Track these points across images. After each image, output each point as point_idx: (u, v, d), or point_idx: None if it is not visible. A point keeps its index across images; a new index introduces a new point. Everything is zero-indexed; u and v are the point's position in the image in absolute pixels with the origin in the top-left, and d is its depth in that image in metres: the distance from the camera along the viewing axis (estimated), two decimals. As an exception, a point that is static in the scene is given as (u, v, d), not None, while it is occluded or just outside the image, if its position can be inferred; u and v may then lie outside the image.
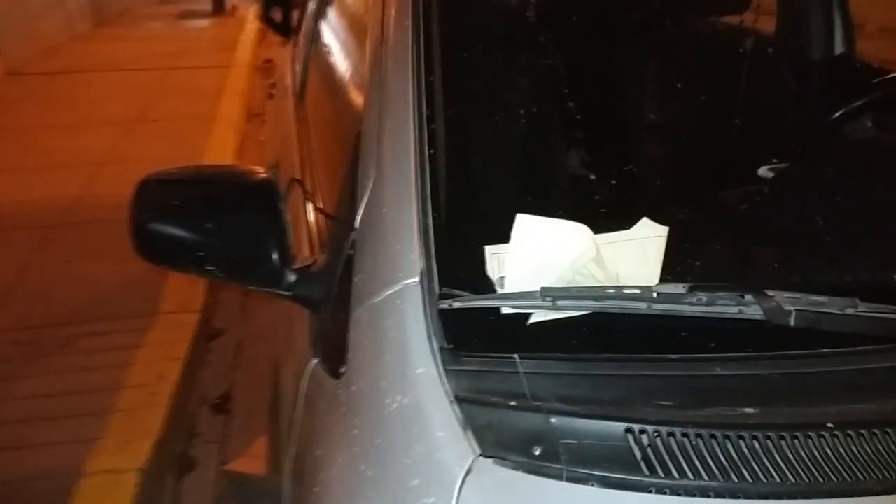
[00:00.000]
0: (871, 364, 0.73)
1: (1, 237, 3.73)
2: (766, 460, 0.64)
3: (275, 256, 1.01)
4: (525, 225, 0.82)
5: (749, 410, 0.69)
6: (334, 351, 0.91)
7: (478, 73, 1.16)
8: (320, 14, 2.22)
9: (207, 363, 3.05)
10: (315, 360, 1.00)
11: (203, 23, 11.39)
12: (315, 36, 2.17)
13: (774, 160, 1.14)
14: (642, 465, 0.65)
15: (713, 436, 0.66)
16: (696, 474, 0.64)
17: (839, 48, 2.35)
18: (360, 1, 1.56)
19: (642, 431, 0.67)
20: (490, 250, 0.85)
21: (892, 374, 0.73)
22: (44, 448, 2.29)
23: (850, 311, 0.73)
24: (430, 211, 0.89)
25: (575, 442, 0.67)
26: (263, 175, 1.08)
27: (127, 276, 3.24)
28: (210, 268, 1.04)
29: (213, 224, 1.03)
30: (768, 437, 0.66)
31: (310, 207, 1.28)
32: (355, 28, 1.54)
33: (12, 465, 2.20)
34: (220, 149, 5.28)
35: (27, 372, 2.72)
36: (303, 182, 1.60)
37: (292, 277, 1.02)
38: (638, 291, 0.77)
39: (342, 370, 0.86)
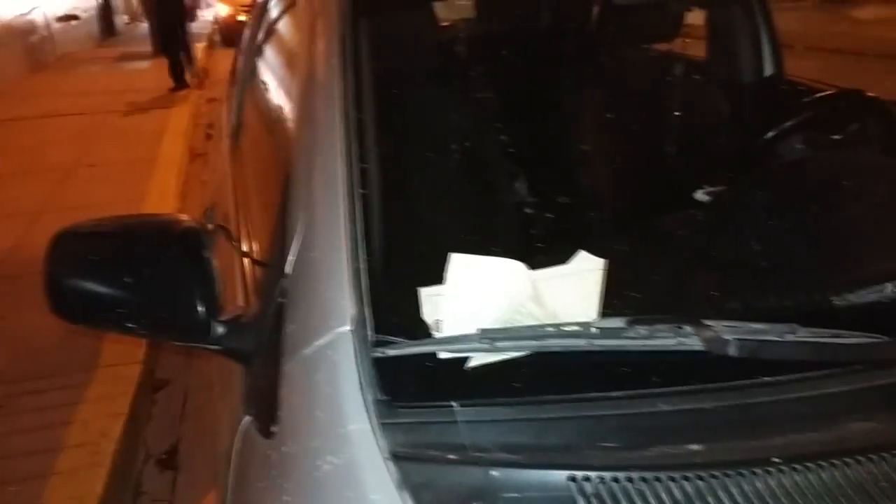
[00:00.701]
0: (814, 391, 0.71)
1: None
2: (711, 501, 0.61)
3: (200, 309, 0.95)
4: (460, 265, 0.78)
5: (694, 447, 0.66)
6: (265, 408, 0.85)
7: (408, 110, 1.13)
8: (254, 50, 2.17)
9: (152, 416, 2.92)
10: (247, 418, 0.94)
11: (143, 64, 11.24)
12: (249, 73, 2.12)
13: (708, 185, 1.13)
14: None
15: (658, 478, 0.63)
16: None
17: (768, 70, 2.40)
18: (292, 38, 1.52)
19: (585, 479, 0.63)
20: (425, 293, 0.81)
21: (835, 400, 0.71)
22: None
23: (790, 337, 0.71)
24: (362, 254, 0.85)
25: (517, 495, 0.63)
26: (187, 223, 1.03)
27: (65, 330, 3.09)
28: (131, 325, 0.97)
29: (131, 278, 0.96)
30: (713, 476, 0.63)
31: (241, 254, 1.23)
32: (286, 66, 1.51)
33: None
34: (161, 191, 5.16)
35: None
36: (238, 226, 1.54)
37: (220, 330, 0.97)
38: (578, 328, 0.74)
39: (273, 429, 0.81)
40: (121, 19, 16.22)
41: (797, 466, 0.63)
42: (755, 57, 2.38)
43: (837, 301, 0.79)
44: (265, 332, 0.94)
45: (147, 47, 11.88)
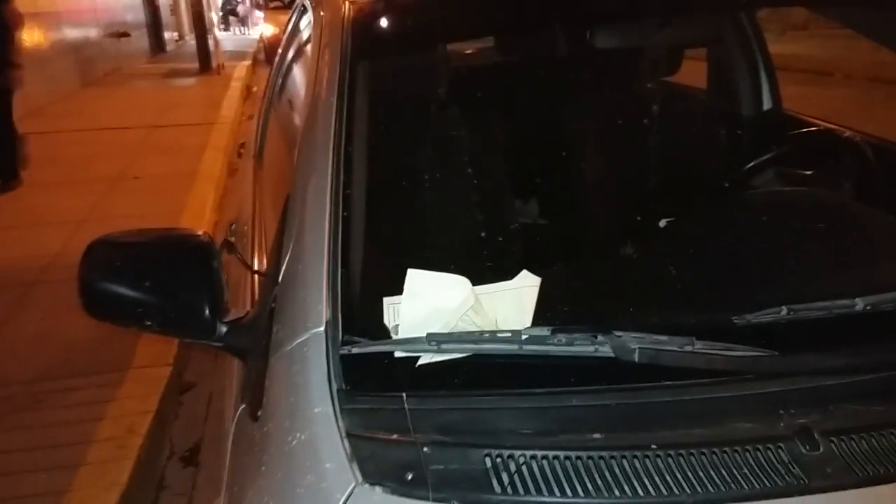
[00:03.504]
0: (701, 395, 0.84)
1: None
2: (597, 477, 0.74)
3: (206, 310, 1.11)
4: (416, 278, 0.93)
5: (595, 436, 0.79)
6: (255, 396, 1.00)
7: (393, 146, 1.29)
8: (277, 75, 2.36)
9: (179, 416, 3.11)
10: (242, 406, 1.09)
11: (189, 81, 11.68)
12: (272, 97, 2.31)
13: (675, 213, 1.25)
14: (495, 484, 0.74)
15: (556, 457, 0.76)
16: (543, 491, 0.74)
17: (767, 104, 2.51)
18: (303, 68, 1.69)
19: (498, 456, 0.77)
20: (387, 301, 0.96)
21: (718, 403, 0.83)
22: (13, 500, 2.34)
23: (687, 348, 0.84)
24: (339, 268, 1.01)
25: (441, 468, 0.77)
26: (199, 237, 1.19)
27: (102, 332, 3.31)
28: (148, 322, 1.13)
29: (150, 282, 1.13)
30: (601, 458, 0.76)
31: (244, 265, 1.39)
32: (296, 95, 1.68)
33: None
34: (199, 204, 5.40)
35: (3, 428, 2.78)
36: (252, 240, 1.71)
37: (224, 329, 1.12)
38: (509, 335, 0.87)
39: (259, 413, 0.96)
40: (171, 36, 16.80)
41: (671, 453, 0.76)
42: (754, 91, 2.49)
43: (737, 320, 0.91)
44: (259, 332, 1.09)
45: (194, 64, 12.36)
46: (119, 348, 3.28)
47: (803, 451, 0.77)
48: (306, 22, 1.91)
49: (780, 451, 0.76)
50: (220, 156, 6.80)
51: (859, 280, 0.97)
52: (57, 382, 3.08)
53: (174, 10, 17.51)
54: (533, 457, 0.76)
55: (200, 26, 12.08)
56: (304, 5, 2.08)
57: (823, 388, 0.83)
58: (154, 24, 15.23)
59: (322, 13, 1.63)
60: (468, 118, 1.35)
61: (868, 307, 0.92)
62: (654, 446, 0.76)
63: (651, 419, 0.81)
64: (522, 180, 1.44)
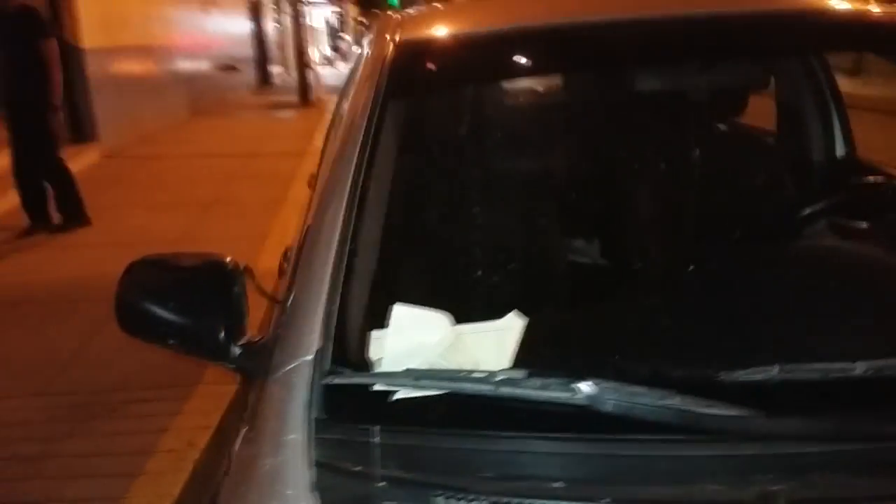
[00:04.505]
0: (671, 452, 0.81)
1: (70, 308, 4.10)
2: None
3: (222, 333, 1.16)
4: (400, 314, 0.95)
5: (556, 485, 0.78)
6: (250, 419, 1.04)
7: (403, 186, 1.33)
8: (338, 110, 2.45)
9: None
10: (245, 428, 1.14)
11: (289, 113, 12.24)
12: (330, 130, 2.40)
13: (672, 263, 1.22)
14: None
15: (507, 502, 0.75)
16: None
17: (840, 151, 2.39)
18: (347, 105, 1.76)
19: (449, 497, 0.77)
20: (374, 335, 0.98)
21: (684, 462, 0.80)
22: (68, 503, 2.49)
23: (663, 402, 0.81)
24: (337, 301, 1.04)
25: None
26: (225, 263, 1.26)
27: (177, 348, 3.48)
28: (171, 341, 1.20)
29: (174, 303, 1.20)
30: None
31: (261, 292, 1.45)
32: (336, 132, 1.75)
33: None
34: (283, 229, 5.62)
35: (77, 433, 2.97)
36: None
37: (237, 352, 1.18)
38: (485, 375, 0.87)
39: (247, 435, 1.00)
40: (276, 70, 17.68)
41: None
42: (826, 136, 2.38)
43: (724, 376, 0.88)
44: (265, 356, 1.14)
45: (295, 97, 12.96)
46: (191, 364, 3.43)
47: None
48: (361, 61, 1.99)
49: None
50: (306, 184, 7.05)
51: (862, 343, 0.92)
52: (131, 393, 3.26)
53: (281, 45, 18.43)
54: (478, 500, 0.76)
55: (301, 61, 12.66)
56: (363, 45, 2.17)
57: (800, 455, 0.79)
58: (261, 59, 16.09)
59: (369, 51, 1.70)
60: (483, 163, 1.37)
61: (869, 372, 0.87)
62: (608, 500, 0.74)
63: (615, 473, 0.79)
64: (522, 225, 1.44)
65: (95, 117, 8.10)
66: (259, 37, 15.96)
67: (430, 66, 1.49)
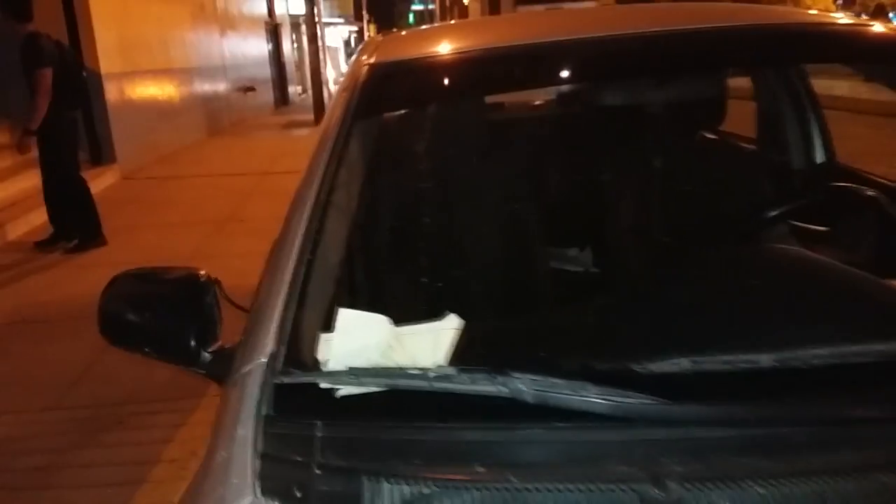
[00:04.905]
0: (579, 437, 0.87)
1: (83, 326, 4.21)
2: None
3: (192, 340, 1.24)
4: (344, 317, 1.02)
5: (479, 469, 0.84)
6: (215, 418, 1.12)
7: (359, 203, 1.42)
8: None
9: (242, 444, 3.29)
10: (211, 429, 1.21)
11: (304, 131, 12.43)
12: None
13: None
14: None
15: (437, 486, 0.82)
16: None
17: (819, 157, 2.44)
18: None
19: (377, 481, 0.83)
20: (322, 337, 1.05)
21: (590, 446, 0.87)
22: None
23: (579, 392, 0.87)
24: (293, 307, 1.12)
25: (326, 488, 0.84)
26: (199, 275, 1.34)
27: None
28: (147, 349, 1.29)
29: (149, 313, 1.28)
30: (482, 489, 0.81)
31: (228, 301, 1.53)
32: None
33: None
34: (293, 246, 5.74)
35: (86, 444, 3.08)
36: None
37: (207, 358, 1.26)
38: (420, 372, 0.94)
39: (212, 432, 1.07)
40: (294, 90, 17.94)
41: (528, 486, 0.80)
42: (804, 143, 2.43)
43: (638, 368, 0.94)
44: (231, 360, 1.22)
45: (311, 116, 13.17)
46: (197, 378, 3.53)
47: (653, 493, 0.79)
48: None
49: (632, 491, 0.79)
50: (320, 201, 7.18)
51: (773, 337, 0.97)
52: (138, 406, 3.36)
53: (299, 66, 18.71)
54: (402, 482, 0.83)
55: (317, 81, 12.87)
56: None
57: (700, 439, 0.85)
58: (279, 79, 16.34)
59: (349, 72, 1.79)
60: (439, 177, 1.45)
61: (773, 363, 0.92)
62: (512, 479, 0.81)
63: (527, 456, 0.86)
64: (468, 234, 1.51)
65: (114, 140, 8.32)
66: (277, 57, 16.23)
67: (397, 86, 1.57)
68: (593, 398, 0.87)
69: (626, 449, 0.85)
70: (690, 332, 1.01)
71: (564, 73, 1.65)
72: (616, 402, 0.87)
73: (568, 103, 2.12)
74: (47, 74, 5.19)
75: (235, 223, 6.55)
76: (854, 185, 1.79)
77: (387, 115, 1.54)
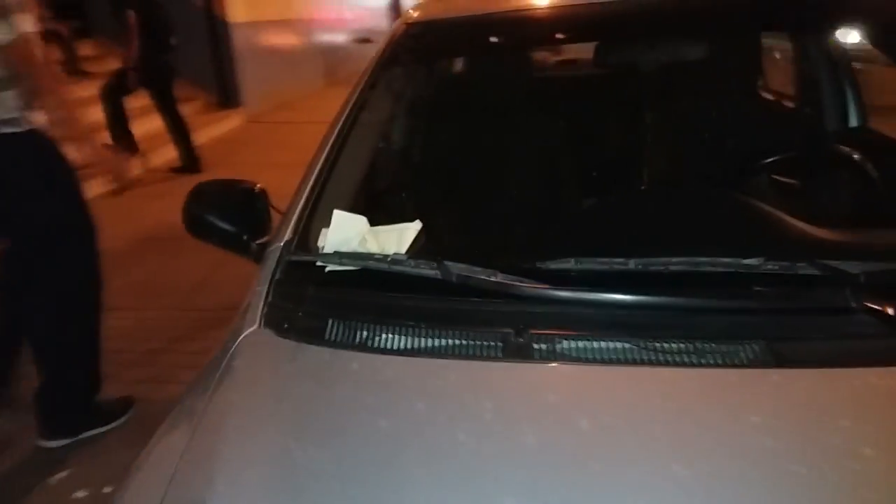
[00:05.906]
0: (479, 307, 1.23)
1: (202, 245, 4.90)
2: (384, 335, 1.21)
3: (245, 234, 1.69)
4: (337, 217, 1.42)
5: (410, 322, 1.22)
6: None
7: (374, 134, 1.82)
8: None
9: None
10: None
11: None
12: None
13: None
14: (326, 335, 1.23)
15: (372, 325, 1.22)
16: (352, 342, 1.20)
17: (854, 121, 2.56)
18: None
19: (337, 321, 1.24)
20: (322, 231, 1.46)
21: (483, 310, 1.24)
22: (176, 385, 3.22)
23: (491, 278, 1.23)
24: (307, 210, 1.54)
25: (304, 323, 1.27)
26: (252, 187, 1.77)
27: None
28: (215, 239, 1.75)
29: (216, 213, 1.73)
30: (400, 328, 1.21)
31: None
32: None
33: (158, 394, 3.16)
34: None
35: (196, 337, 3.76)
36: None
37: (255, 248, 1.70)
38: (382, 258, 1.34)
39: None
40: (412, 41, 18.31)
41: (434, 331, 1.19)
42: (840, 108, 2.57)
43: (539, 265, 1.27)
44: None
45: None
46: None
47: (512, 339, 1.15)
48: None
49: (500, 334, 1.16)
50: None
51: (645, 248, 1.26)
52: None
53: (418, 16, 19.00)
54: (356, 323, 1.23)
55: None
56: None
57: (566, 314, 1.19)
58: (397, 30, 16.68)
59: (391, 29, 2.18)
60: (449, 118, 1.83)
61: (639, 266, 1.23)
62: (422, 325, 1.20)
63: (441, 315, 1.24)
64: (458, 153, 1.90)
65: (240, 86, 9.09)
66: (395, 9, 16.65)
67: (424, 42, 1.94)
68: (499, 280, 1.23)
69: (511, 315, 1.20)
70: (588, 242, 1.35)
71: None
72: (511, 283, 1.22)
73: (603, 63, 2.38)
74: (131, 16, 5.91)
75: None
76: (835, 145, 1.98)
77: (410, 65, 1.92)
